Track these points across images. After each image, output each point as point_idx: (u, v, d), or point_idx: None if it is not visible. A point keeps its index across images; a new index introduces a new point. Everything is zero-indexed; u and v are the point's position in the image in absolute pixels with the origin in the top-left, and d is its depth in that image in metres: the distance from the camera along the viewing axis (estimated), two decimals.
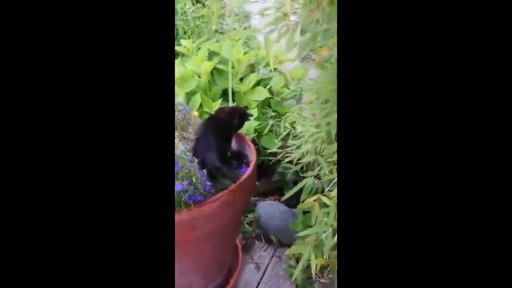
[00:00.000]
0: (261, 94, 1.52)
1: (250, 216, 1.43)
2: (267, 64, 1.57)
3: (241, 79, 1.57)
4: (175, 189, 0.67)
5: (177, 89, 1.48)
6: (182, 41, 1.59)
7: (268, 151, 1.34)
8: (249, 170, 0.87)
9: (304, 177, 0.91)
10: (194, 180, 0.71)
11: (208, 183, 0.75)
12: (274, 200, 1.54)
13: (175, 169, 0.72)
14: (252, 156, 0.95)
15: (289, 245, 1.28)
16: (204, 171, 0.76)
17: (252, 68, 1.61)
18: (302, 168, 1.11)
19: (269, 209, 1.39)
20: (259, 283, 1.16)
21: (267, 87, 1.50)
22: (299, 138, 1.10)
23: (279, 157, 1.27)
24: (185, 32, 1.79)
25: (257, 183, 1.11)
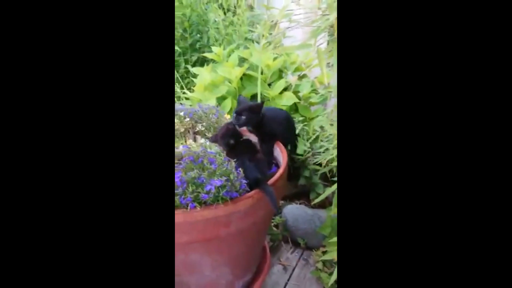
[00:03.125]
0: (289, 99, 1.55)
1: (277, 219, 1.45)
2: (296, 69, 1.61)
3: (269, 85, 1.61)
4: (215, 184, 0.71)
5: (208, 94, 1.54)
6: (214, 48, 1.66)
7: (298, 156, 1.37)
8: (281, 170, 0.90)
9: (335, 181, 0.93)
10: (231, 177, 0.75)
11: (244, 180, 0.79)
12: (300, 204, 1.56)
13: (214, 167, 0.77)
14: (283, 157, 0.98)
15: (316, 248, 1.29)
16: (240, 169, 0.79)
17: (280, 73, 1.65)
18: (330, 170, 1.12)
19: (296, 212, 1.40)
20: (286, 284, 1.18)
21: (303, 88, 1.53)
22: (328, 141, 1.12)
23: (307, 156, 1.29)
24: (216, 40, 1.86)
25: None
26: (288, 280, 1.19)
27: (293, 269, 1.24)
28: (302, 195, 1.61)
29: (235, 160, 0.81)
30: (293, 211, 1.42)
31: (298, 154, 1.37)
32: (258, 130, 1.03)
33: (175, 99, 1.73)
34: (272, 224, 1.44)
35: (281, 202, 1.55)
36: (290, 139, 1.27)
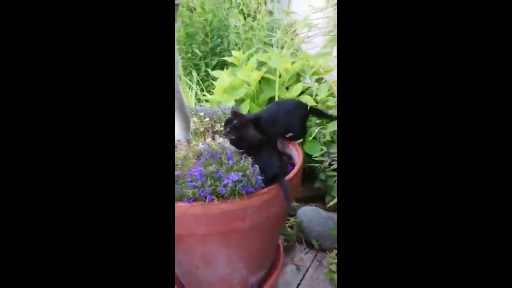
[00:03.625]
0: (307, 102, 1.57)
1: (292, 220, 1.46)
2: (314, 73, 1.63)
3: (287, 88, 1.64)
4: (232, 178, 0.74)
5: (227, 97, 1.59)
6: (233, 52, 1.72)
7: (313, 158, 1.38)
8: (296, 168, 0.92)
9: None
10: (248, 172, 0.78)
11: (259, 177, 0.81)
12: (316, 206, 1.56)
13: (231, 163, 0.80)
14: (298, 156, 1.00)
15: (330, 250, 1.29)
16: (256, 166, 0.82)
17: (298, 77, 1.68)
18: None
19: (311, 214, 1.41)
20: (299, 284, 1.19)
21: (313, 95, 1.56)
22: None
23: (325, 164, 1.30)
24: (236, 44, 1.92)
25: (300, 188, 1.15)
26: (301, 280, 1.20)
27: (307, 270, 1.25)
28: (317, 198, 1.62)
29: (252, 157, 0.84)
30: (308, 212, 1.43)
31: (312, 156, 1.38)
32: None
33: (196, 101, 1.80)
34: (287, 225, 1.45)
35: (296, 204, 1.56)
36: (295, 131, 1.16)
